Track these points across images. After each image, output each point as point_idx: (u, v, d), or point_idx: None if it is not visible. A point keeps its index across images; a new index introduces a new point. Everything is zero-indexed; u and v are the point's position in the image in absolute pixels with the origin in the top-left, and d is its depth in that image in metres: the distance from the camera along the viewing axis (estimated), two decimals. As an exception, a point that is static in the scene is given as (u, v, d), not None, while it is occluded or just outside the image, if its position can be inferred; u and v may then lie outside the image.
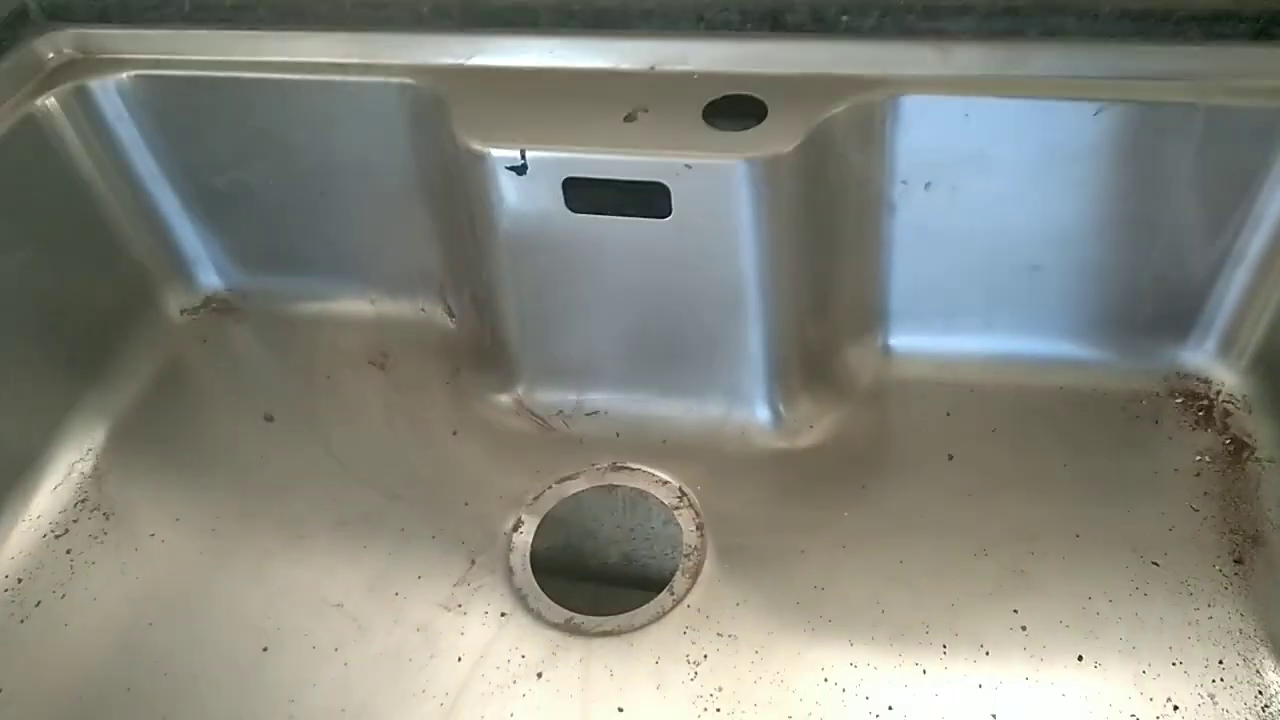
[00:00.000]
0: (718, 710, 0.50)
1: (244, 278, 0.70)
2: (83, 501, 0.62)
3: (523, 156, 0.52)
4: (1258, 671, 0.48)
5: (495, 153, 0.52)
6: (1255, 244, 0.52)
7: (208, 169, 0.64)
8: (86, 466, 0.64)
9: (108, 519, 0.62)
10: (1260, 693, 0.48)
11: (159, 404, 0.67)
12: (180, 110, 0.61)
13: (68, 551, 0.60)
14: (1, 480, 0.61)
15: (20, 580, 0.59)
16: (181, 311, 0.71)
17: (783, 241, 0.53)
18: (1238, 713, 0.47)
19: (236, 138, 0.62)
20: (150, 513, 0.62)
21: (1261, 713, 0.47)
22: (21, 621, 0.57)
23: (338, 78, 0.58)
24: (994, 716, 0.48)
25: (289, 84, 0.59)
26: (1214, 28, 0.49)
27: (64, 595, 0.58)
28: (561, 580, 0.58)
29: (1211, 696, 0.48)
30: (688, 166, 0.50)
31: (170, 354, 0.69)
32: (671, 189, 0.51)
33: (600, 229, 0.54)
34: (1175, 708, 0.48)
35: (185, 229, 0.67)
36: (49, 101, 0.60)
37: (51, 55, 0.61)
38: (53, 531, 0.61)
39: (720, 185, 0.51)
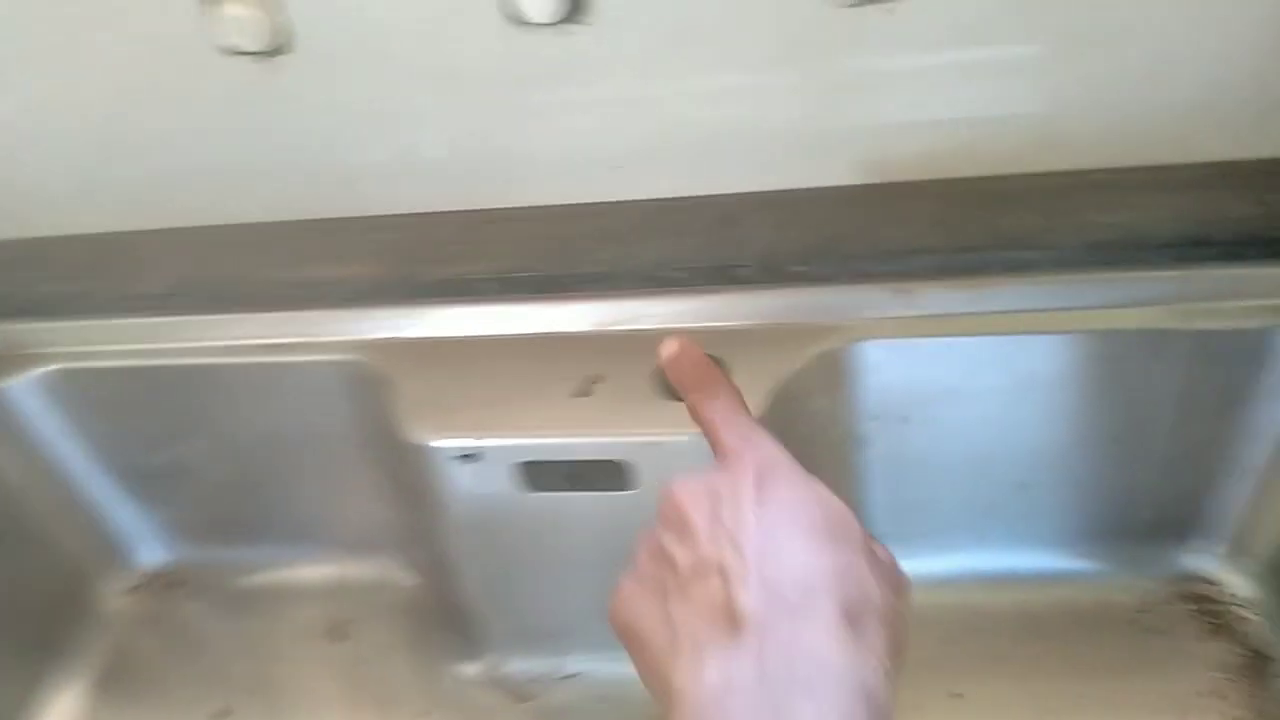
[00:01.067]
0: None
1: (191, 550, 0.66)
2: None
3: (473, 450, 0.49)
4: None
5: (444, 445, 0.49)
6: (1257, 456, 0.50)
7: (141, 452, 0.60)
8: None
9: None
10: None
11: (111, 699, 0.61)
12: (108, 399, 0.58)
13: None
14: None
15: None
16: (125, 589, 0.66)
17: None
18: None
19: (170, 421, 0.58)
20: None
21: None
22: None
23: (273, 359, 0.55)
24: None
25: (222, 367, 0.55)
26: (1184, 253, 0.47)
27: None
28: None
29: None
30: (649, 443, 0.47)
31: (114, 641, 0.64)
32: (634, 465, 0.48)
33: (561, 506, 0.50)
34: None
35: (122, 510, 0.63)
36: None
37: (-33, 352, 0.58)
38: None
39: (685, 459, 0.48)
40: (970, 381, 0.50)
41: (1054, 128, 0.52)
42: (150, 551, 0.66)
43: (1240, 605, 0.55)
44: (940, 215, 0.52)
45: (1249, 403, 0.50)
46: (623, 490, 0.49)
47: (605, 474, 0.49)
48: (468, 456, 0.49)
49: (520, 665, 0.59)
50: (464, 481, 0.50)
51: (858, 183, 0.54)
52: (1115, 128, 0.51)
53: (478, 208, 0.58)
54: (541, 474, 0.49)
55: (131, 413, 0.59)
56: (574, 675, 0.59)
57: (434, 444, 0.49)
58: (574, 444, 0.48)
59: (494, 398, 0.50)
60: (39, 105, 0.58)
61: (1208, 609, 0.55)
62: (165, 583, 0.66)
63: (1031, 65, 0.50)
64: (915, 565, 0.57)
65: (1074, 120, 0.52)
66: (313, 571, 0.64)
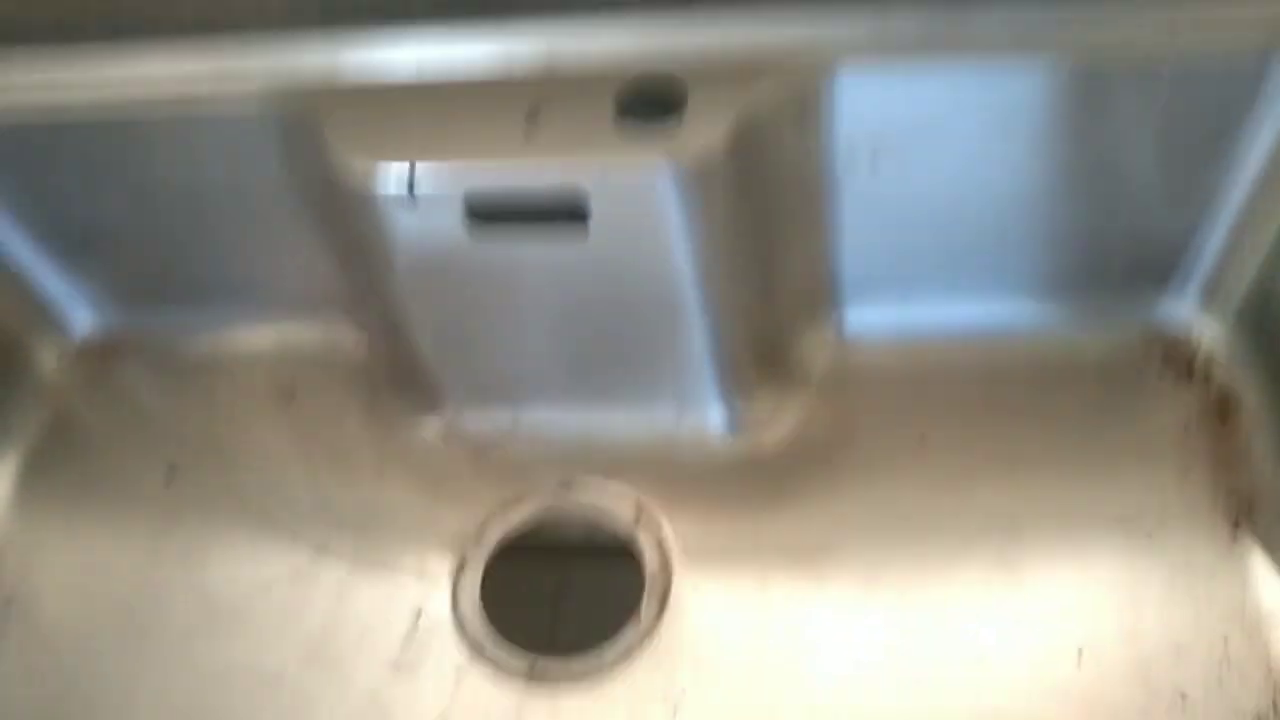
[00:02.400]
0: (703, 755, 0.46)
1: (125, 317, 0.62)
2: (-23, 592, 0.56)
3: (411, 179, 0.45)
4: (1265, 645, 0.46)
5: (380, 176, 0.45)
6: (1236, 193, 0.47)
7: (60, 213, 0.55)
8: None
9: (8, 606, 0.55)
10: (1270, 669, 0.45)
11: (48, 470, 0.60)
12: (18, 150, 0.53)
13: (-33, 653, 0.54)
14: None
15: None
16: (59, 359, 0.63)
17: (718, 238, 0.47)
18: (1248, 696, 0.45)
19: (85, 177, 0.53)
20: (54, 597, 0.55)
21: (1274, 691, 0.45)
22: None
23: (188, 111, 0.49)
24: (995, 730, 0.45)
25: (133, 123, 0.50)
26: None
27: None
28: (518, 621, 0.53)
29: (1219, 681, 0.45)
30: (604, 170, 0.44)
31: (52, 411, 0.62)
32: (588, 195, 0.45)
33: (511, 250, 0.47)
34: (1183, 696, 0.45)
35: (49, 277, 0.59)
36: None
37: None
38: (-53, 631, 0.55)
39: (642, 189, 0.44)
40: (946, 116, 0.46)
41: None
42: (83, 320, 0.63)
43: (1210, 351, 0.54)
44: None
45: (1233, 137, 0.47)
46: (580, 228, 0.46)
47: (558, 211, 0.45)
48: (410, 197, 0.45)
49: (476, 420, 0.57)
50: (408, 226, 0.46)
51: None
52: None
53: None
54: (489, 212, 0.46)
55: (42, 170, 0.54)
56: (533, 430, 0.57)
57: (369, 176, 0.45)
58: (523, 172, 0.44)
59: (434, 131, 0.46)
60: None
61: (1178, 357, 0.54)
62: (100, 352, 0.63)
63: None
64: (885, 316, 0.57)
65: None
66: (253, 334, 0.61)
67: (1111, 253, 0.52)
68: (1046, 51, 0.44)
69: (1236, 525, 0.49)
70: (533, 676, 0.50)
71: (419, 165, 0.44)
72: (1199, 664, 0.46)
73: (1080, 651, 0.47)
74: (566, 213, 0.45)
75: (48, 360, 0.63)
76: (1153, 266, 0.52)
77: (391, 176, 0.45)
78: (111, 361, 0.63)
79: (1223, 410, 0.52)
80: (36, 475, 0.60)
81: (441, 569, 0.54)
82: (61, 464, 0.60)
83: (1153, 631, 0.47)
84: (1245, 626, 0.46)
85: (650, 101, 0.44)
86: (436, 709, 0.50)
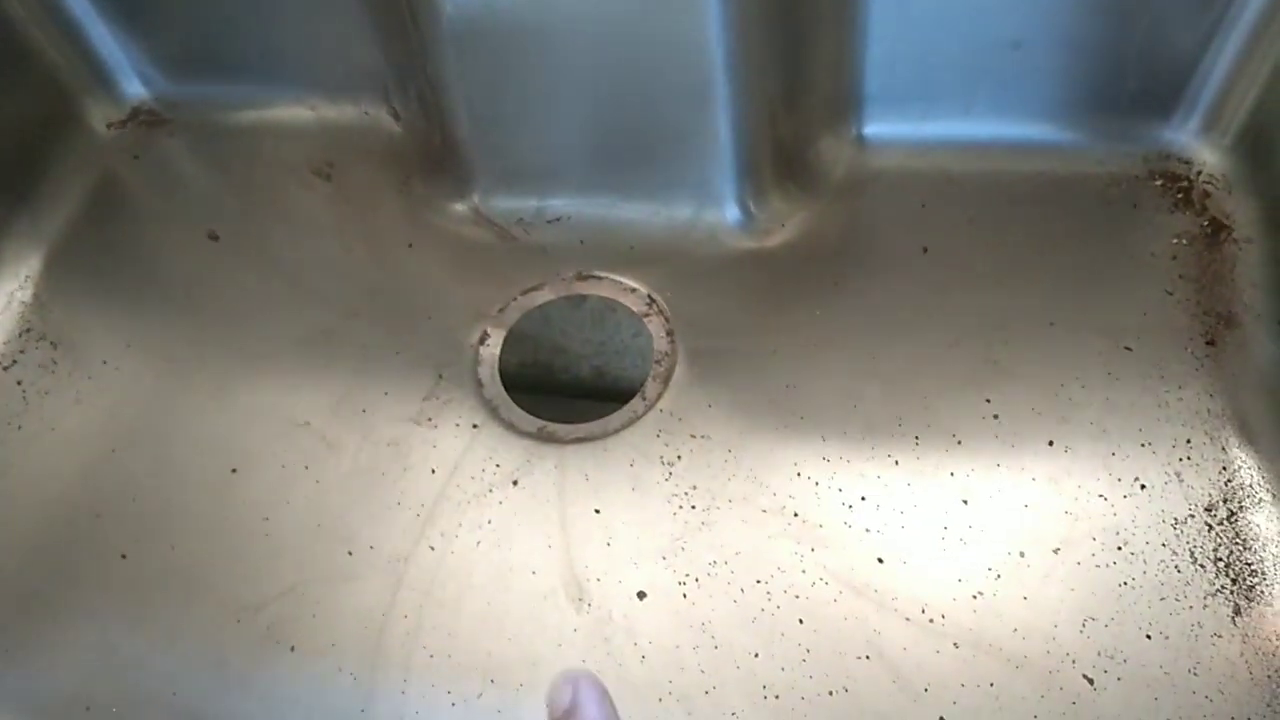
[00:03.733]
0: (693, 508, 0.50)
1: (172, 86, 0.65)
2: (27, 331, 0.60)
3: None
4: (1223, 448, 0.49)
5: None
6: (1246, 13, 0.49)
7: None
8: (26, 295, 0.61)
9: (55, 348, 0.59)
10: (1224, 468, 0.49)
11: (95, 225, 0.63)
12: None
13: (18, 383, 0.58)
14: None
15: (-31, 414, 0.57)
16: (108, 125, 0.66)
17: (750, 18, 0.50)
18: (1202, 488, 0.48)
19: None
20: (100, 339, 0.59)
21: (1225, 487, 0.48)
22: (-24, 455, 0.55)
23: None
24: (965, 502, 0.49)
25: None
26: None
27: (19, 427, 0.56)
28: (531, 393, 0.57)
29: (1178, 474, 0.49)
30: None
31: (101, 172, 0.65)
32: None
33: (553, 7, 0.49)
34: (1142, 486, 0.49)
35: (102, 34, 0.62)
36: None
37: None
38: (0, 364, 0.58)
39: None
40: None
41: None
42: (131, 85, 0.65)
43: (1207, 179, 0.56)
44: None
45: None
46: None
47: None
48: (458, -51, 0.47)
49: (505, 205, 0.60)
50: (453, -18, 0.49)
51: None
52: None
53: None
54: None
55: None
56: (558, 218, 0.60)
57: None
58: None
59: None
60: None
61: (1176, 183, 0.57)
62: (147, 118, 0.66)
63: None
64: (904, 130, 0.59)
65: None
66: (296, 111, 0.64)
67: (1123, 76, 0.54)
68: None
69: (1211, 343, 0.52)
70: (541, 437, 0.54)
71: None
72: (1161, 459, 0.49)
73: (1051, 443, 0.50)
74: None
75: (98, 122, 0.65)
76: (1159, 93, 0.54)
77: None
78: (158, 128, 0.66)
79: (1213, 235, 0.54)
80: (84, 231, 0.63)
81: (464, 339, 0.57)
82: (107, 222, 0.63)
83: (1121, 428, 0.50)
84: (1207, 430, 0.50)
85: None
86: (451, 458, 0.53)
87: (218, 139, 0.65)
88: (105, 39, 0.62)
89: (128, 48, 0.63)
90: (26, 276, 0.61)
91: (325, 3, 0.57)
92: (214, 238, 0.61)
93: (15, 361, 0.58)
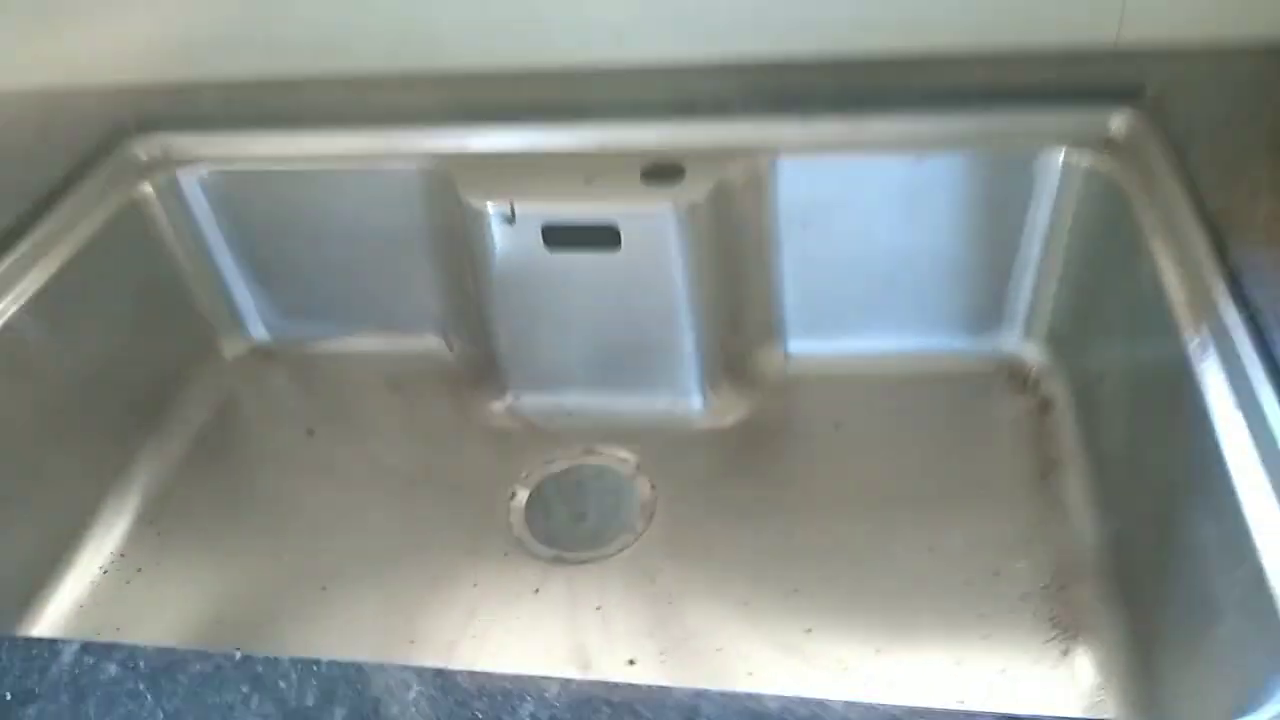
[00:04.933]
0: (669, 602, 0.67)
1: (284, 327, 0.88)
2: (150, 523, 0.78)
3: (511, 210, 0.72)
4: (1054, 543, 0.67)
5: (491, 207, 0.72)
6: (1034, 251, 0.74)
7: (259, 241, 0.83)
8: (155, 489, 0.80)
9: (169, 517, 0.78)
10: (1057, 553, 0.66)
11: (221, 429, 0.84)
12: (241, 196, 0.81)
13: (138, 570, 0.75)
14: (99, 473, 0.77)
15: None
16: (234, 358, 0.88)
17: (702, 268, 0.74)
18: (1040, 568, 0.66)
19: (283, 215, 0.81)
20: (218, 509, 0.78)
21: (1055, 567, 0.66)
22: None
23: (366, 166, 0.78)
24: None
25: (326, 173, 0.78)
26: (991, 102, 0.71)
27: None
28: (549, 533, 0.75)
29: (1026, 559, 0.66)
30: (630, 212, 0.71)
31: (226, 391, 0.87)
32: (621, 229, 0.71)
33: (569, 261, 0.74)
34: (996, 573, 0.66)
35: (240, 289, 0.86)
36: (145, 188, 0.79)
37: (144, 155, 0.80)
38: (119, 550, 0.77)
39: (654, 224, 0.71)
40: (851, 193, 0.74)
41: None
42: (255, 327, 0.89)
43: (1035, 370, 0.78)
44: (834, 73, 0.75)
45: (1027, 209, 0.73)
46: (615, 251, 0.72)
47: (602, 237, 0.72)
48: (507, 218, 0.72)
49: (531, 403, 0.82)
50: (503, 240, 0.73)
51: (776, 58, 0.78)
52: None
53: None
54: (557, 236, 0.72)
55: (254, 209, 0.82)
56: (569, 412, 0.81)
57: (485, 207, 0.72)
58: (581, 210, 0.71)
59: (526, 185, 0.73)
60: None
61: (1015, 374, 0.78)
62: (263, 351, 0.89)
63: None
64: (819, 346, 0.81)
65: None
66: (375, 344, 0.87)
67: (969, 299, 0.78)
68: (916, 149, 0.72)
69: (1043, 478, 0.71)
70: (556, 561, 0.72)
71: (516, 203, 0.72)
72: (1012, 551, 0.67)
73: (930, 550, 0.68)
74: (606, 238, 0.72)
75: (227, 354, 0.88)
76: (994, 313, 0.78)
77: (499, 208, 0.72)
78: (270, 359, 0.88)
79: (1043, 409, 0.76)
80: (212, 434, 0.83)
81: (499, 496, 0.76)
82: (230, 427, 0.84)
83: (981, 535, 0.68)
84: (1041, 531, 0.68)
85: (662, 172, 0.72)
86: (489, 575, 0.71)
87: (315, 365, 0.87)
88: (244, 294, 0.86)
89: (258, 300, 0.87)
90: (167, 464, 0.81)
91: (407, 268, 0.82)
92: (310, 433, 0.82)
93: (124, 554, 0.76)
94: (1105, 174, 0.69)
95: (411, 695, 0.39)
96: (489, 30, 0.79)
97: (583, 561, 0.71)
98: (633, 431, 0.79)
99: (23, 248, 0.71)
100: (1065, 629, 0.63)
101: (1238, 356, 0.51)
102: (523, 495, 0.76)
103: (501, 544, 0.73)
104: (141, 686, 0.40)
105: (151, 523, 0.77)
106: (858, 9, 0.75)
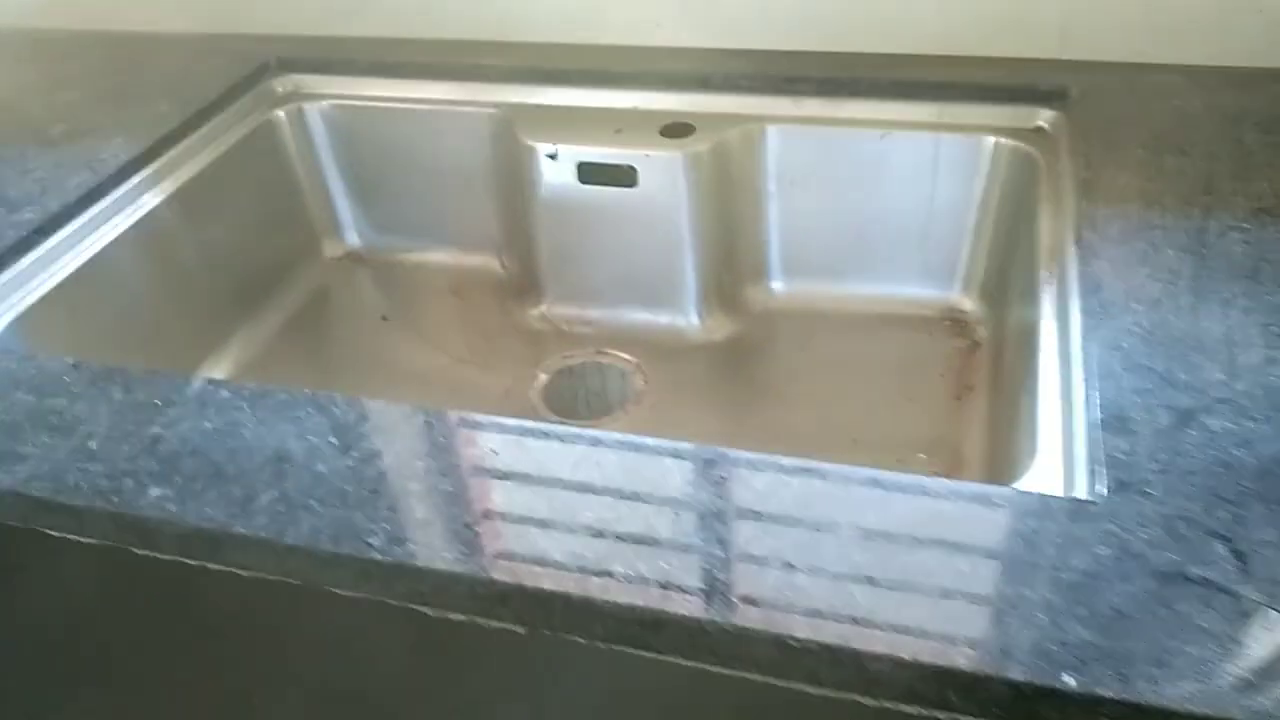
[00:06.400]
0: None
1: (373, 237, 1.10)
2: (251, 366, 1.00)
3: (554, 153, 0.92)
4: (945, 447, 0.84)
5: (539, 146, 0.92)
6: (971, 218, 0.91)
7: (361, 165, 1.04)
8: (249, 356, 1.02)
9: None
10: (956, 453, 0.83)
11: (314, 310, 1.05)
12: (350, 127, 1.02)
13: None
14: (207, 336, 0.99)
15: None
16: (331, 258, 1.10)
17: (703, 210, 0.92)
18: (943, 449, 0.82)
19: (381, 145, 1.02)
20: (295, 379, 0.99)
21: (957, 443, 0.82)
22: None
23: (448, 110, 0.99)
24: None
25: (417, 113, 1.00)
26: (946, 94, 0.89)
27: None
28: (559, 407, 0.94)
29: (929, 446, 0.83)
30: (648, 156, 0.90)
31: (322, 283, 1.08)
32: (639, 169, 0.91)
33: (598, 195, 0.93)
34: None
35: (342, 203, 1.08)
36: (279, 114, 1.01)
37: (280, 90, 1.03)
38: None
39: (666, 168, 0.90)
40: (827, 162, 0.92)
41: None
42: (350, 236, 1.10)
43: (972, 317, 0.95)
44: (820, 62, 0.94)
45: (971, 184, 0.90)
46: (634, 188, 0.92)
47: (624, 176, 0.91)
48: (552, 156, 0.92)
49: (560, 312, 1.02)
50: (547, 174, 0.93)
51: (783, 49, 0.96)
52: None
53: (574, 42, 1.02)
54: (589, 173, 0.92)
55: (363, 139, 1.04)
56: (590, 320, 1.01)
57: (535, 145, 0.92)
58: (610, 152, 0.91)
59: (568, 132, 0.93)
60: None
61: (955, 320, 0.95)
62: (354, 256, 1.11)
63: None
64: (796, 284, 1.00)
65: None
66: (442, 257, 1.08)
67: (924, 255, 0.95)
68: (882, 128, 0.89)
69: (957, 399, 0.88)
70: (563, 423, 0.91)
71: (559, 145, 0.91)
72: (911, 440, 0.84)
73: (854, 441, 0.85)
74: (627, 177, 0.91)
75: (328, 253, 1.10)
76: (943, 266, 0.95)
77: (545, 148, 0.92)
78: (360, 263, 1.10)
79: (971, 348, 0.92)
80: (307, 312, 1.05)
81: (525, 377, 0.96)
82: (321, 309, 1.06)
83: (907, 433, 0.85)
84: (954, 431, 0.85)
85: (676, 130, 0.91)
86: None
87: (394, 270, 1.09)
88: (344, 207, 1.08)
89: (354, 213, 1.08)
90: (266, 334, 1.02)
91: (469, 196, 1.02)
92: (384, 319, 1.03)
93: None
94: (1024, 156, 0.86)
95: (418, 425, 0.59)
96: (556, 13, 0.99)
97: (588, 424, 0.90)
98: (637, 340, 0.98)
99: (173, 152, 0.93)
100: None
101: (1065, 281, 0.68)
102: (543, 379, 0.96)
103: (521, 411, 0.93)
104: (244, 404, 0.61)
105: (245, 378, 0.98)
106: (844, 14, 0.93)
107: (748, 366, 0.96)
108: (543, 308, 1.02)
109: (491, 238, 1.05)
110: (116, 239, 0.85)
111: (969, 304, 0.95)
